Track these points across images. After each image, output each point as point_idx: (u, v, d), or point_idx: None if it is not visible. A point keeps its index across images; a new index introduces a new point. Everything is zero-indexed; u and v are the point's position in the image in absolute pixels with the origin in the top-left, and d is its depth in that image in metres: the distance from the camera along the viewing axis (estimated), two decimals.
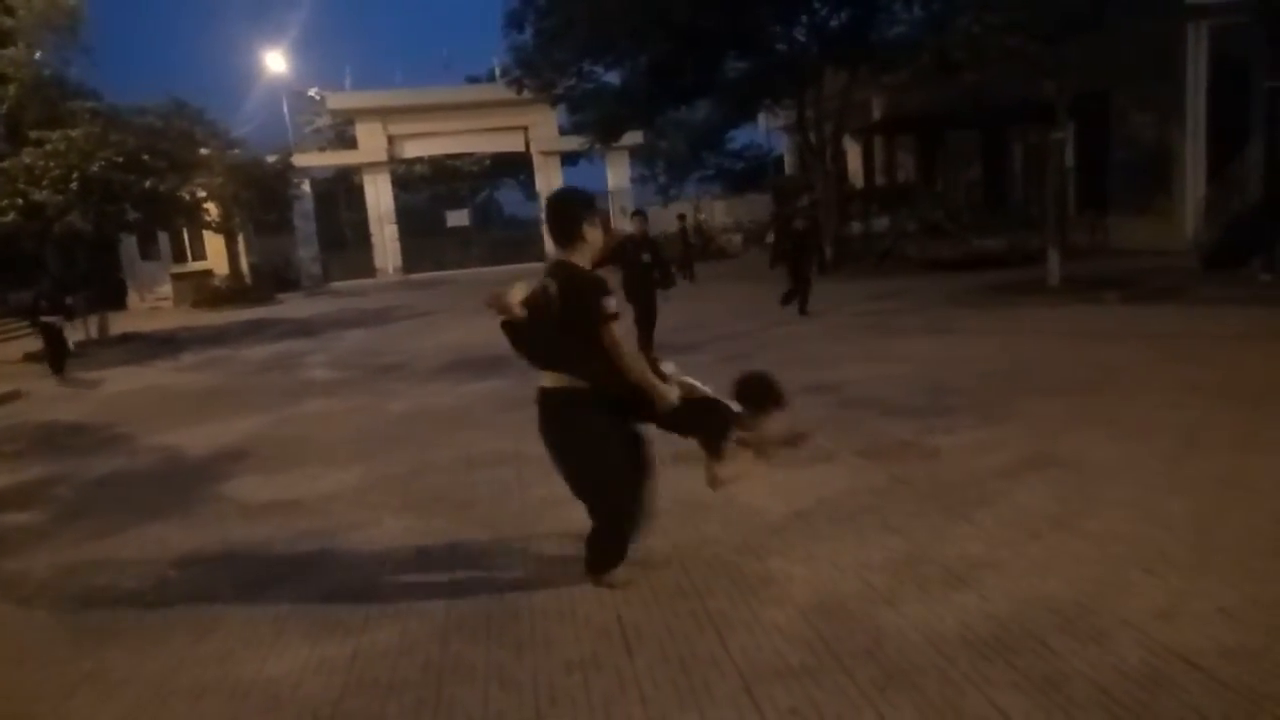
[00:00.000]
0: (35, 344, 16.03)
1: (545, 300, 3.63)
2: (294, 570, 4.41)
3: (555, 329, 3.61)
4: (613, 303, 3.52)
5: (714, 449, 3.85)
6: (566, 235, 3.69)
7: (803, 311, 12.09)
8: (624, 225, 30.19)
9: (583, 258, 3.72)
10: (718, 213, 33.63)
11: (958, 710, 2.72)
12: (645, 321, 9.33)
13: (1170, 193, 16.07)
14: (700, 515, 4.63)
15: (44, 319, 12.87)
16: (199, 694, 3.25)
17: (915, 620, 3.30)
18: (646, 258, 9.44)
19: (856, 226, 20.91)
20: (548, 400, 3.71)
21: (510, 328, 3.81)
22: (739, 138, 38.35)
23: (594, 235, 3.71)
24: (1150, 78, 15.46)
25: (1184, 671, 2.82)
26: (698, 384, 3.83)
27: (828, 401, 6.99)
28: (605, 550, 3.85)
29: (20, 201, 15.70)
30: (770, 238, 22.71)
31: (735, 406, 3.87)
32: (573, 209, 3.77)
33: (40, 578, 4.66)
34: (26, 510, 6.06)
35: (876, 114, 23.72)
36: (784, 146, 32.96)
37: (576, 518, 4.38)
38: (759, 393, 4.04)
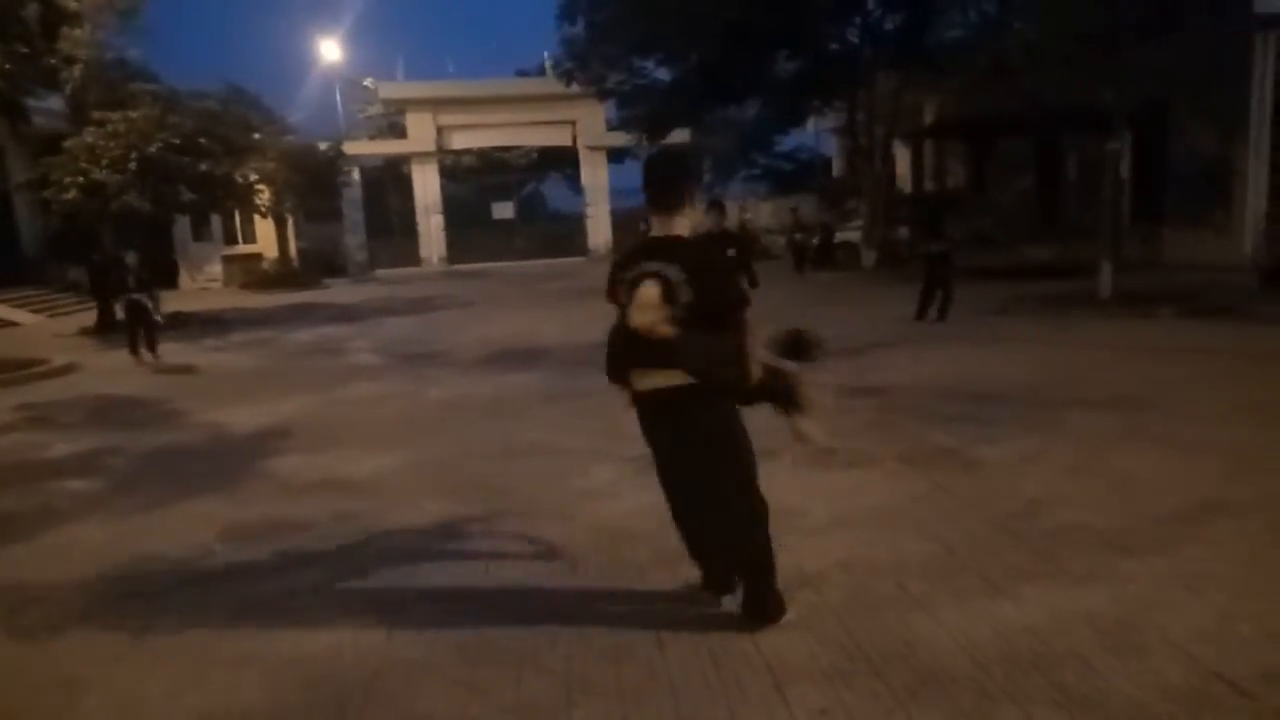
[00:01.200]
0: (91, 319, 16.48)
1: (671, 293, 3.01)
2: (334, 549, 4.48)
3: (684, 320, 3.03)
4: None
5: (797, 405, 3.59)
6: (673, 202, 3.16)
7: (942, 318, 11.62)
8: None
9: (686, 231, 3.20)
10: (764, 214, 33.48)
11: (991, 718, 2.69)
12: None
13: (1229, 207, 15.67)
14: None
15: (132, 296, 12.10)
16: (239, 666, 3.32)
17: (951, 628, 3.27)
18: (731, 253, 8.85)
19: (903, 232, 20.71)
20: (666, 400, 3.14)
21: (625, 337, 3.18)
22: (789, 137, 38.13)
23: (697, 205, 3.27)
24: (1213, 88, 15.08)
25: (1227, 694, 2.76)
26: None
27: (870, 405, 6.94)
28: (764, 577, 3.35)
29: (81, 180, 16.12)
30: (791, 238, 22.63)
31: (788, 364, 3.61)
32: (681, 169, 3.28)
33: (94, 543, 4.80)
34: (82, 479, 6.24)
35: (928, 118, 23.45)
36: (833, 149, 32.72)
37: (615, 510, 4.42)
38: (798, 346, 3.77)
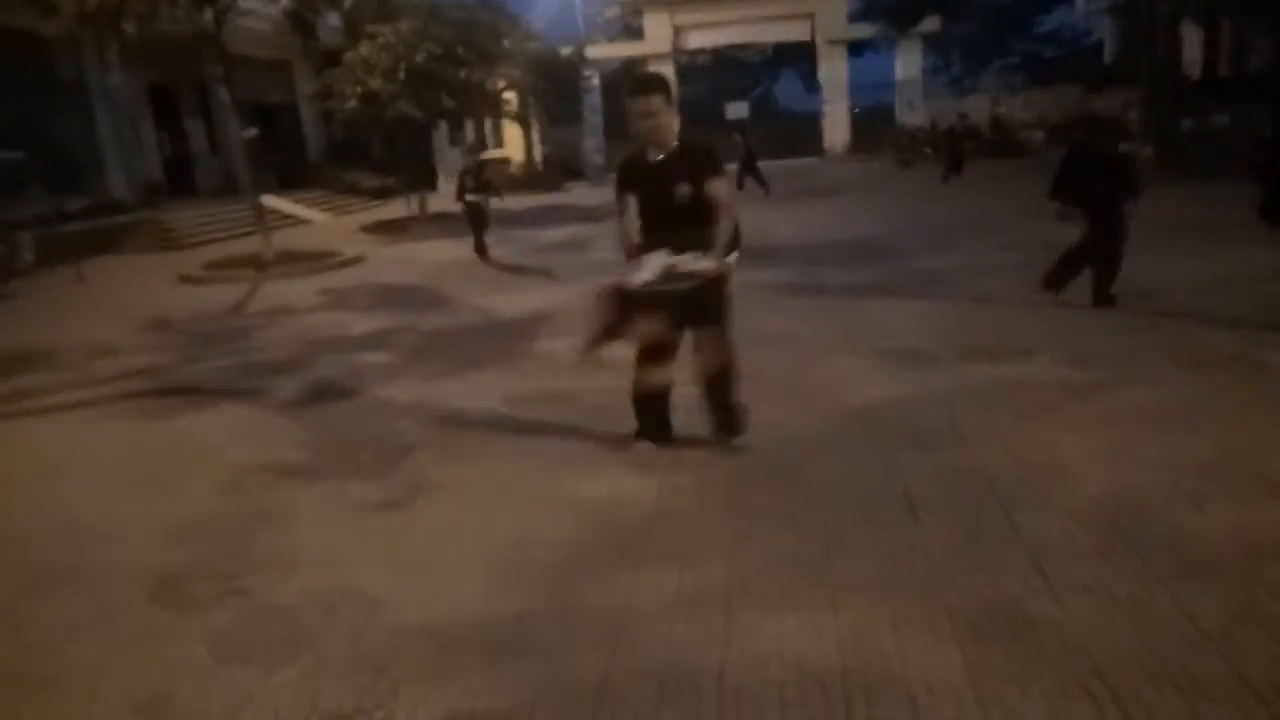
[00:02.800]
0: (372, 216, 18.32)
1: None
2: (602, 414, 4.93)
3: None
4: None
5: None
6: None
7: (1098, 301, 6.74)
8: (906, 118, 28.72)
9: None
10: (1016, 107, 30.87)
11: (1268, 610, 2.65)
12: None
13: None
14: (989, 403, 4.64)
15: (468, 197, 11.99)
16: (537, 505, 3.86)
17: (1224, 525, 3.18)
18: None
19: (1187, 124, 18.41)
20: None
21: None
22: (1051, 20, 34.61)
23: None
24: None
25: None
26: None
27: (1141, 308, 6.50)
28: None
29: (359, 89, 17.75)
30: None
31: None
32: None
33: (399, 404, 5.61)
34: (381, 351, 7.21)
35: None
36: (1106, 31, 29.35)
37: (861, 395, 4.55)
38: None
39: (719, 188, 3.81)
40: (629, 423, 4.39)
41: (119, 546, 3.77)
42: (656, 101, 3.80)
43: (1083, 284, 6.77)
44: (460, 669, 2.69)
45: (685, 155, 3.87)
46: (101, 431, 5.58)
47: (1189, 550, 3.03)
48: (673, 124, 3.92)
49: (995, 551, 3.13)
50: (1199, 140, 17.62)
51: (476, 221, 12.15)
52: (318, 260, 13.05)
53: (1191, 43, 22.84)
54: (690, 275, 3.71)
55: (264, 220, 13.54)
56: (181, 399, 6.19)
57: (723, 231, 3.77)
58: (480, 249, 12.12)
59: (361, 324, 8.47)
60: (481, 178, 12.14)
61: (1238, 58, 21.32)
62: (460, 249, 14.08)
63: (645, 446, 4.29)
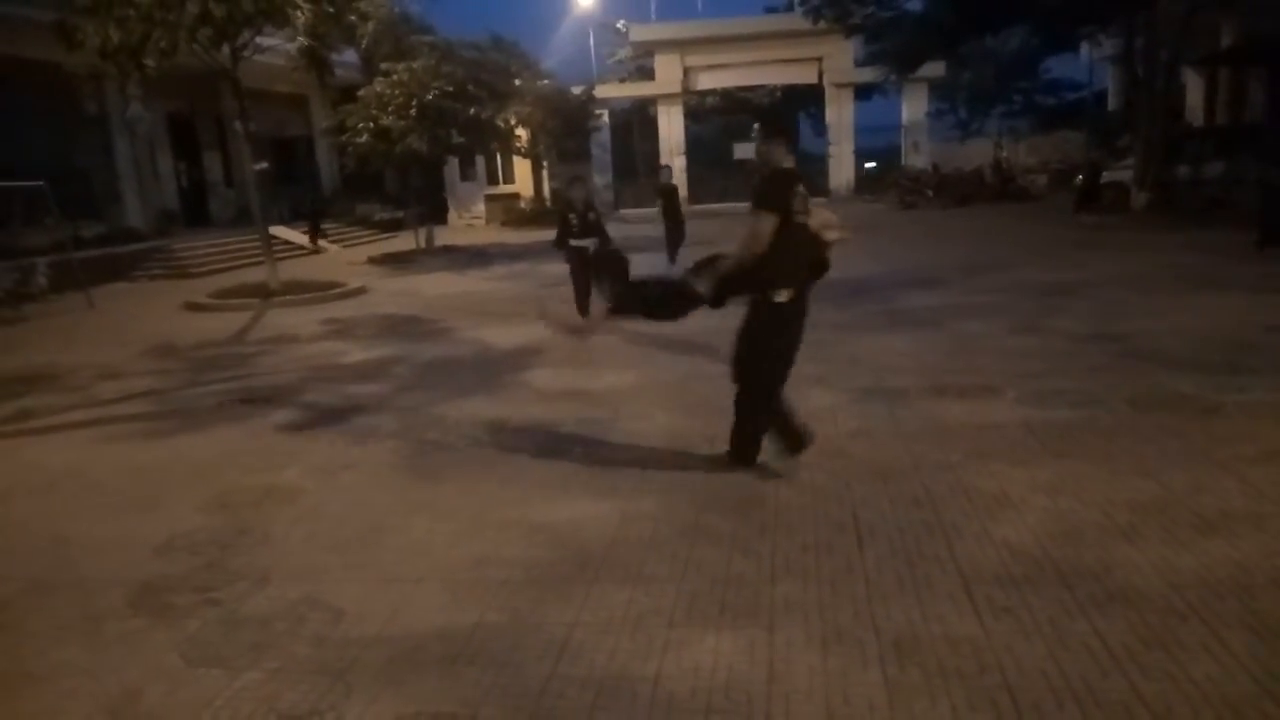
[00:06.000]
0: (381, 248, 18.63)
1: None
2: (579, 443, 5.17)
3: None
4: None
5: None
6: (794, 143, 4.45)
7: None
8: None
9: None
10: (1021, 152, 31.25)
11: (1175, 635, 2.80)
12: None
13: None
14: (948, 439, 4.81)
15: (574, 242, 9.01)
16: (503, 527, 4.04)
17: (1152, 556, 3.34)
18: None
19: (1184, 171, 18.66)
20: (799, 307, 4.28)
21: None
22: (1055, 68, 35.11)
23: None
24: None
25: None
26: None
27: (1109, 351, 6.68)
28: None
29: (372, 125, 18.22)
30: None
31: None
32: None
33: (388, 429, 5.81)
34: (377, 380, 7.43)
35: (1226, 40, 20.78)
36: (1108, 80, 29.79)
37: (829, 428, 4.72)
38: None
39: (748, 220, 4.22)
40: (603, 449, 4.57)
41: (106, 559, 3.97)
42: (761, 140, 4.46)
43: (1061, 321, 6.94)
44: (413, 675, 2.86)
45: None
46: (100, 451, 5.80)
47: (1113, 580, 3.18)
48: (769, 157, 4.36)
49: (929, 576, 3.30)
50: (1195, 187, 17.86)
51: (584, 272, 8.99)
52: (322, 290, 13.35)
53: (1196, 91, 23.21)
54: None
55: (271, 250, 13.87)
56: (180, 421, 6.42)
57: (728, 259, 4.23)
58: (585, 307, 8.89)
59: (359, 353, 8.71)
60: (588, 218, 9.03)
61: (1235, 107, 21.60)
62: (463, 281, 14.39)
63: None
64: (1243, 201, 15.87)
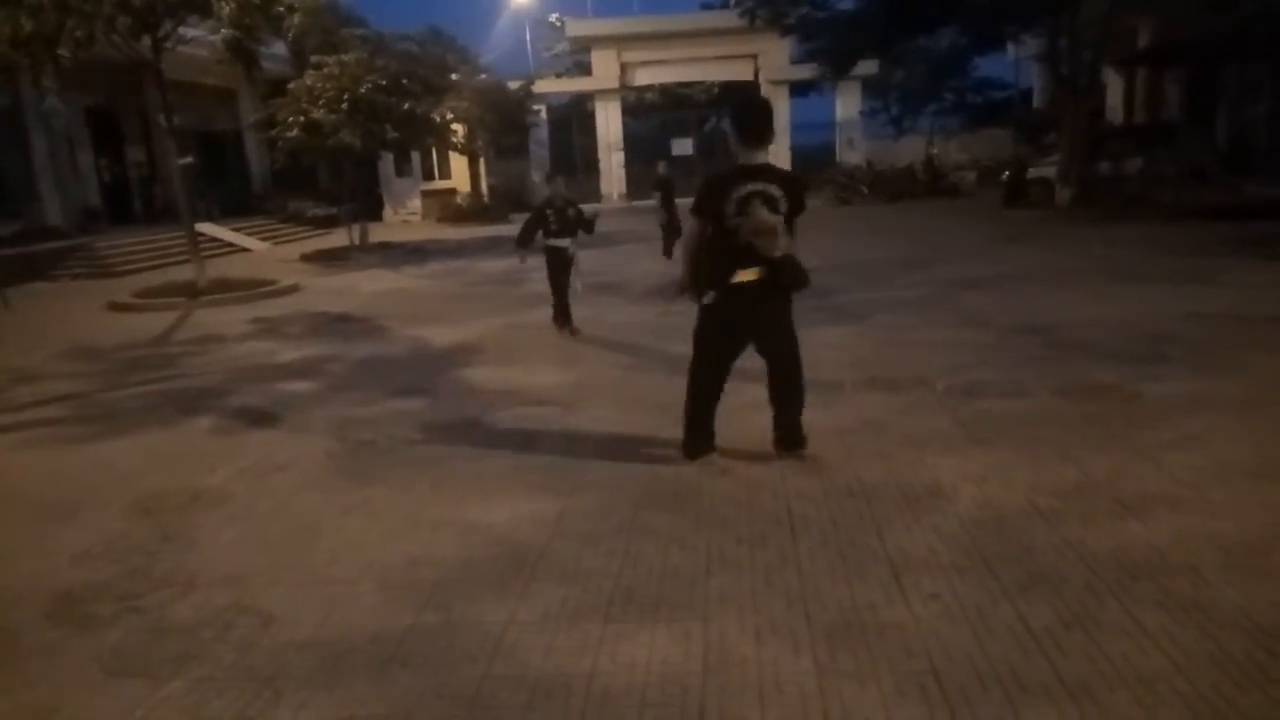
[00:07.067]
0: (314, 245, 18.29)
1: (775, 204, 4.09)
2: (516, 442, 5.13)
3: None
4: None
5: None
6: (766, 138, 4.19)
7: None
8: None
9: (768, 159, 4.24)
10: (951, 149, 32.00)
11: (1095, 617, 2.90)
12: None
13: None
14: (881, 430, 4.90)
15: (552, 242, 8.51)
16: (438, 527, 4.00)
17: (1071, 539, 3.45)
18: None
19: (1105, 167, 19.31)
20: (763, 289, 4.20)
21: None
22: (984, 67, 36.02)
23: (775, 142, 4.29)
24: None
25: None
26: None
27: (1035, 342, 6.88)
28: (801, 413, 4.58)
29: (302, 119, 17.81)
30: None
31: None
32: (770, 114, 4.28)
33: (320, 430, 5.70)
34: (308, 380, 7.27)
35: (1143, 42, 21.55)
36: (1034, 79, 30.66)
37: (762, 423, 4.77)
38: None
39: None
40: (541, 447, 4.54)
41: (21, 569, 3.81)
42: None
43: (990, 314, 7.12)
44: (345, 679, 2.81)
45: None
46: (14, 458, 5.57)
47: (1034, 563, 3.28)
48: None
49: (860, 565, 3.36)
50: (1116, 183, 18.48)
51: (564, 273, 8.60)
52: (252, 289, 13.02)
53: (1116, 91, 24.01)
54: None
55: (198, 248, 13.47)
56: (101, 425, 6.20)
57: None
58: (563, 315, 8.68)
59: (290, 352, 8.52)
60: (567, 215, 8.51)
61: (1152, 106, 22.42)
62: (398, 278, 14.17)
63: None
64: (1161, 196, 16.52)
